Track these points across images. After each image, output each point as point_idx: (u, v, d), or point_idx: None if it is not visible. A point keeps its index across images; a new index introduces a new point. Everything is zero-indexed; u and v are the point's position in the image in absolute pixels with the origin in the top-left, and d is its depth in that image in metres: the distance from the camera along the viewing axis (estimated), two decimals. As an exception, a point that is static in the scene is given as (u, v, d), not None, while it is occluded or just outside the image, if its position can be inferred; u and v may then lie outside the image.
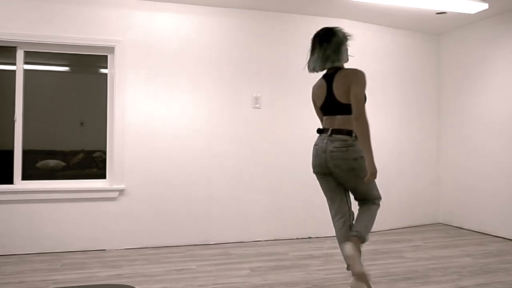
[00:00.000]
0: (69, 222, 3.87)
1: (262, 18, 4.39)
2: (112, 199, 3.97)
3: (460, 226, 4.95)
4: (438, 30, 5.08)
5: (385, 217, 4.85)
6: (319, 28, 4.53)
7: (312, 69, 2.68)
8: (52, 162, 4.24)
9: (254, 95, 4.32)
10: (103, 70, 4.18)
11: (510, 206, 4.34)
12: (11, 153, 3.86)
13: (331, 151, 2.59)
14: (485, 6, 4.07)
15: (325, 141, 2.63)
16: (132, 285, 2.84)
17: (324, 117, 2.71)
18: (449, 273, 3.18)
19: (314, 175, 2.89)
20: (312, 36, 2.98)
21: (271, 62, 4.41)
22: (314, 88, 2.76)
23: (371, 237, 4.45)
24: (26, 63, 3.92)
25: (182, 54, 4.17)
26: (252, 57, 4.36)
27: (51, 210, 3.83)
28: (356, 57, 4.69)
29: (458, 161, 4.98)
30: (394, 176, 4.92)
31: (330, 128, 2.63)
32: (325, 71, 2.75)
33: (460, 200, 4.95)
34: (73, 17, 3.91)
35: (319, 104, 2.71)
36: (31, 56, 3.96)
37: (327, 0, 4.07)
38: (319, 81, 2.73)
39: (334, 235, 4.52)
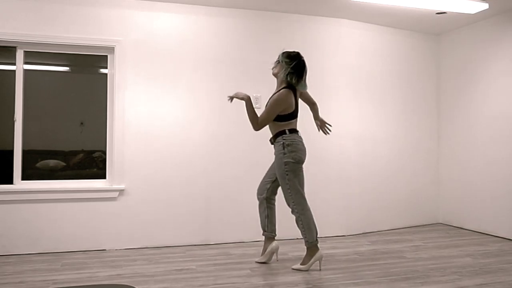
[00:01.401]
0: (69, 222, 3.87)
1: (262, 18, 4.39)
2: (112, 199, 3.97)
3: (460, 226, 4.95)
4: (438, 30, 5.08)
5: (385, 217, 4.85)
6: (317, 29, 4.53)
7: (301, 86, 3.35)
8: (52, 162, 4.24)
9: (254, 95, 4.32)
10: (103, 70, 4.18)
11: (510, 206, 4.34)
12: (11, 153, 3.86)
13: (304, 145, 3.36)
14: (485, 6, 4.07)
15: (301, 138, 3.36)
16: (132, 285, 2.84)
17: (292, 121, 3.33)
18: (449, 273, 3.18)
19: (296, 165, 3.28)
20: (299, 56, 3.34)
21: (272, 62, 4.40)
22: (288, 98, 3.27)
23: (371, 237, 4.46)
24: (26, 63, 3.92)
25: (182, 54, 4.17)
26: (252, 57, 4.36)
27: (51, 210, 3.83)
28: (356, 57, 4.69)
29: (458, 161, 4.98)
30: (394, 176, 4.92)
31: (297, 129, 3.38)
32: (288, 84, 3.34)
33: (460, 200, 4.96)
34: (73, 17, 3.91)
35: (291, 110, 3.29)
36: (31, 56, 3.95)
37: (327, 0, 4.07)
38: (288, 92, 3.29)
39: (335, 235, 4.52)
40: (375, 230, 4.78)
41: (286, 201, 3.32)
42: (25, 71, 3.92)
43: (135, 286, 2.88)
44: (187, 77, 4.18)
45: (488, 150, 4.58)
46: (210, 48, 4.25)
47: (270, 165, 4.36)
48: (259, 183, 4.33)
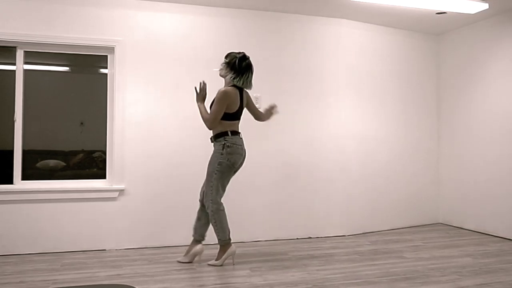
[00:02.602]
0: (69, 222, 3.87)
1: (262, 18, 4.39)
2: (112, 199, 3.97)
3: (460, 226, 4.95)
4: (438, 30, 5.08)
5: (385, 217, 4.85)
6: (317, 29, 4.54)
7: (245, 86, 3.43)
8: (52, 162, 4.24)
9: (254, 95, 4.31)
10: (103, 70, 4.18)
11: (510, 206, 4.34)
12: (11, 153, 3.86)
13: (243, 149, 3.46)
14: (485, 6, 4.07)
15: (242, 141, 3.45)
16: (132, 285, 2.84)
17: (235, 121, 3.43)
18: (449, 273, 3.18)
19: (229, 168, 3.38)
20: (244, 57, 3.43)
21: (272, 62, 4.41)
22: (231, 93, 3.36)
23: (371, 237, 4.46)
24: (26, 63, 3.92)
25: (182, 54, 4.17)
26: (253, 57, 4.33)
27: (51, 210, 3.83)
28: (356, 57, 4.69)
29: (458, 161, 4.98)
30: (394, 176, 4.92)
31: (239, 131, 3.46)
32: (235, 85, 3.42)
33: (460, 200, 4.96)
34: (73, 17, 3.91)
35: (235, 109, 3.39)
36: (31, 56, 3.96)
37: (327, 0, 4.07)
38: (233, 89, 3.39)
39: (335, 235, 4.52)
40: (375, 230, 4.78)
41: (205, 196, 3.40)
42: (25, 71, 3.92)
43: (135, 286, 2.88)
44: (187, 77, 4.18)
45: (488, 150, 4.58)
46: (210, 48, 4.25)
47: (270, 164, 4.37)
48: (259, 183, 4.35)
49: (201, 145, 4.19)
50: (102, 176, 4.09)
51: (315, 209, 4.50)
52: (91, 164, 4.33)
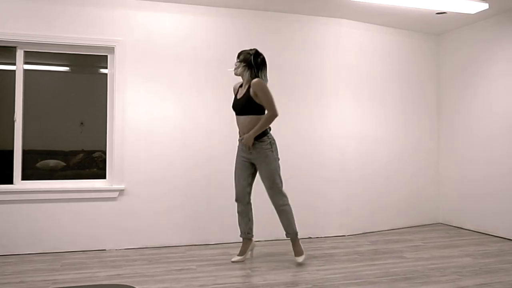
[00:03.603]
0: (69, 222, 3.87)
1: (262, 18, 4.39)
2: (112, 199, 3.97)
3: (460, 226, 4.95)
4: (438, 30, 5.08)
5: (385, 217, 4.85)
6: (317, 29, 4.54)
7: (265, 80, 3.49)
8: (52, 162, 4.24)
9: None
10: (103, 70, 4.18)
11: (510, 206, 4.34)
12: (11, 153, 3.86)
13: None
14: (485, 6, 4.07)
15: None
16: (132, 285, 2.84)
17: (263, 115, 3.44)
18: (449, 273, 3.18)
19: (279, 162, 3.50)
20: (258, 53, 3.46)
21: (271, 62, 4.40)
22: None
23: (371, 237, 4.46)
24: (26, 63, 3.92)
25: (182, 54, 4.17)
26: (252, 57, 4.35)
27: (51, 210, 3.83)
28: (356, 57, 4.69)
29: (458, 161, 4.98)
30: (394, 176, 4.92)
31: None
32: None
33: (460, 200, 4.96)
34: (73, 17, 3.91)
35: None
36: (31, 56, 3.96)
37: (327, 0, 4.07)
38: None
39: (335, 235, 4.53)
40: (375, 230, 4.78)
41: (275, 196, 3.40)
42: (25, 71, 3.92)
43: (135, 286, 2.88)
44: (187, 77, 4.18)
45: (488, 150, 4.58)
46: (210, 48, 4.25)
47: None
48: (258, 183, 4.34)
49: (201, 144, 4.19)
50: (102, 176, 4.09)
51: (315, 209, 4.50)
52: (91, 164, 4.33)
